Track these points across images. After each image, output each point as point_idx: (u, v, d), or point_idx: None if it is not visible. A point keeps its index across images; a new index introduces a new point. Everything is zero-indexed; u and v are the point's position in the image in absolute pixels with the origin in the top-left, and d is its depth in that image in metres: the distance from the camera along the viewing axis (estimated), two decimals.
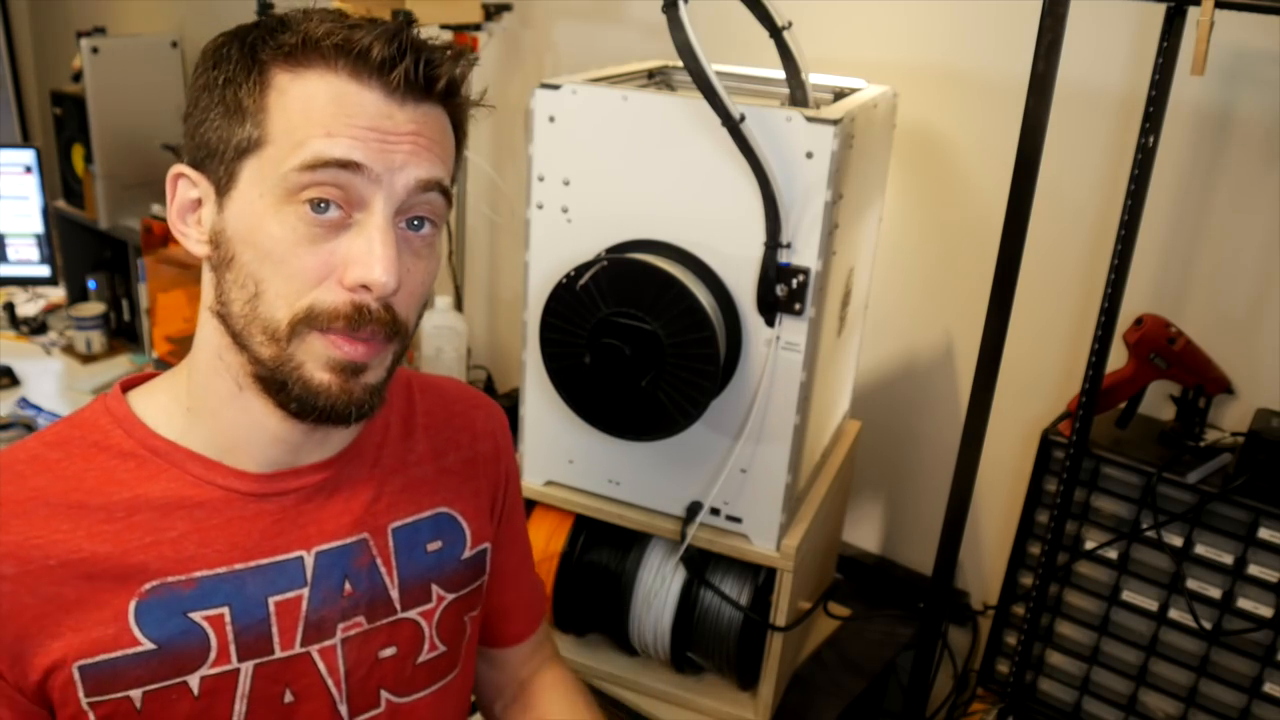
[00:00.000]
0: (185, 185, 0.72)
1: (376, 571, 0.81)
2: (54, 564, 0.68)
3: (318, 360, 0.69)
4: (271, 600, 0.75)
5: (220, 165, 0.69)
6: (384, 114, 0.67)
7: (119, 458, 0.73)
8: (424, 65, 0.68)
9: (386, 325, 0.70)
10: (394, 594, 0.82)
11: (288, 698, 0.76)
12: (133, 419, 0.75)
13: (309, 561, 0.77)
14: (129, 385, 0.78)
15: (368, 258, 0.67)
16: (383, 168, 0.67)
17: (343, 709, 0.79)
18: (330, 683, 0.78)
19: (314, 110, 0.66)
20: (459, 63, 0.71)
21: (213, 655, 0.72)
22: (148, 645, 0.70)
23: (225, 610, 0.73)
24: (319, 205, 0.66)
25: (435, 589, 0.85)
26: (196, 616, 0.72)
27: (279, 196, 0.66)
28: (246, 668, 0.74)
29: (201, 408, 0.74)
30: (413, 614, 0.83)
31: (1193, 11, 1.04)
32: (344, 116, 0.66)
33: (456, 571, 0.87)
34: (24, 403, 2.00)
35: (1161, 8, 1.11)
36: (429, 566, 0.84)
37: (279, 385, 0.70)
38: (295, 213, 0.66)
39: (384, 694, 0.82)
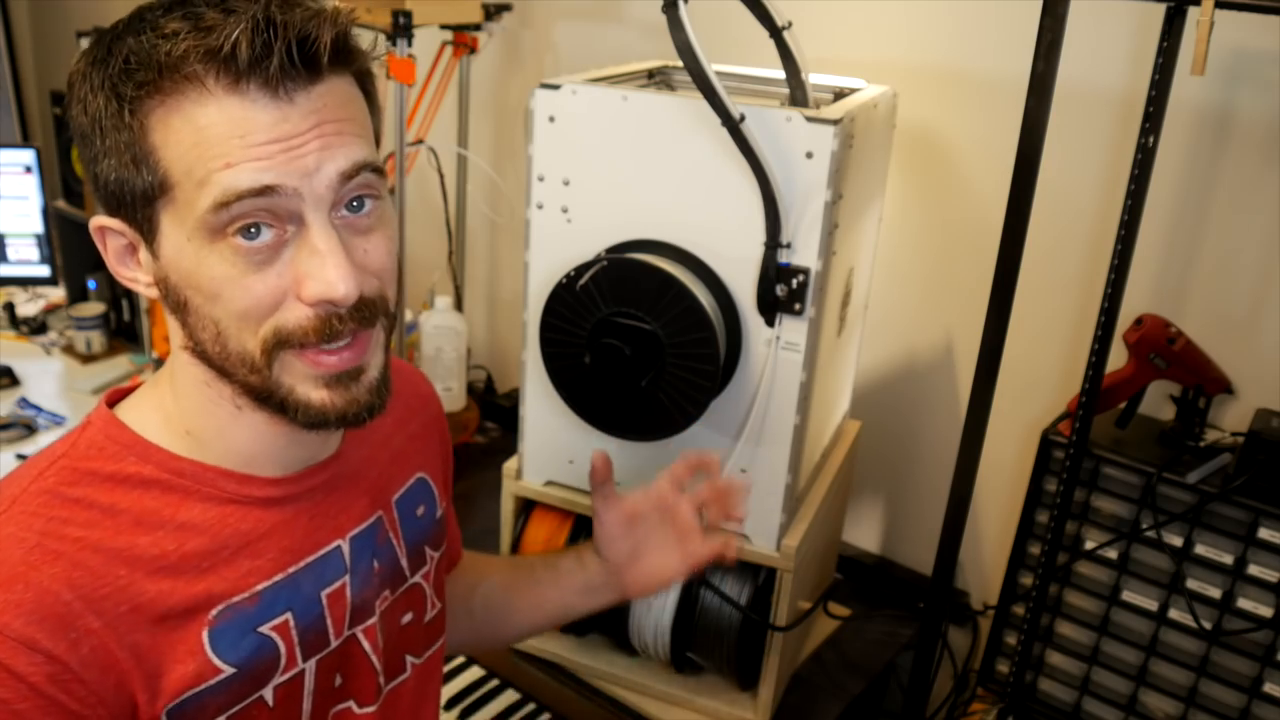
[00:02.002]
0: (113, 235, 0.67)
1: (390, 544, 0.83)
2: (126, 610, 0.64)
3: (306, 380, 0.66)
4: (323, 594, 0.75)
5: (136, 213, 0.64)
6: (277, 119, 0.60)
7: (142, 487, 0.68)
8: (299, 46, 0.60)
9: (363, 319, 0.67)
10: (404, 563, 0.84)
11: (338, 681, 0.77)
12: (143, 443, 0.70)
13: (346, 549, 0.78)
14: (113, 401, 0.74)
15: (320, 272, 0.63)
16: (298, 178, 0.61)
17: (381, 680, 0.81)
18: (374, 659, 0.80)
19: (204, 141, 0.60)
20: (338, 23, 0.62)
21: (283, 663, 0.72)
22: (228, 670, 0.68)
23: (289, 616, 0.73)
24: (249, 231, 0.62)
25: (427, 550, 0.88)
26: (266, 630, 0.71)
27: (205, 237, 0.62)
28: (310, 665, 0.74)
29: (204, 432, 0.71)
30: (417, 578, 0.86)
31: (1193, 11, 1.04)
32: (237, 139, 0.60)
33: (437, 531, 0.91)
34: (24, 403, 2.00)
35: (1161, 8, 1.11)
36: (421, 530, 0.88)
37: (279, 406, 0.68)
38: (228, 246, 0.62)
39: (408, 658, 0.85)
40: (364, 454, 0.82)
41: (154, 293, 0.68)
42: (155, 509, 0.68)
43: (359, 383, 0.68)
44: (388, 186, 0.71)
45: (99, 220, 0.67)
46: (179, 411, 0.72)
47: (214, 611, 0.68)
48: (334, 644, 0.76)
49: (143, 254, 0.67)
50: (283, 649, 0.72)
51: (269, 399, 0.67)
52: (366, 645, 0.79)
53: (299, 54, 0.60)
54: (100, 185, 0.65)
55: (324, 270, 0.63)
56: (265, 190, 0.61)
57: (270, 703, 0.72)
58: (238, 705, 0.70)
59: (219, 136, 0.60)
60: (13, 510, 0.65)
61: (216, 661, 0.67)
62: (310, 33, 0.60)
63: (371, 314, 0.68)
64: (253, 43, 0.59)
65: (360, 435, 0.82)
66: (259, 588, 0.71)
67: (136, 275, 0.68)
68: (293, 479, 0.75)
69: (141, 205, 0.64)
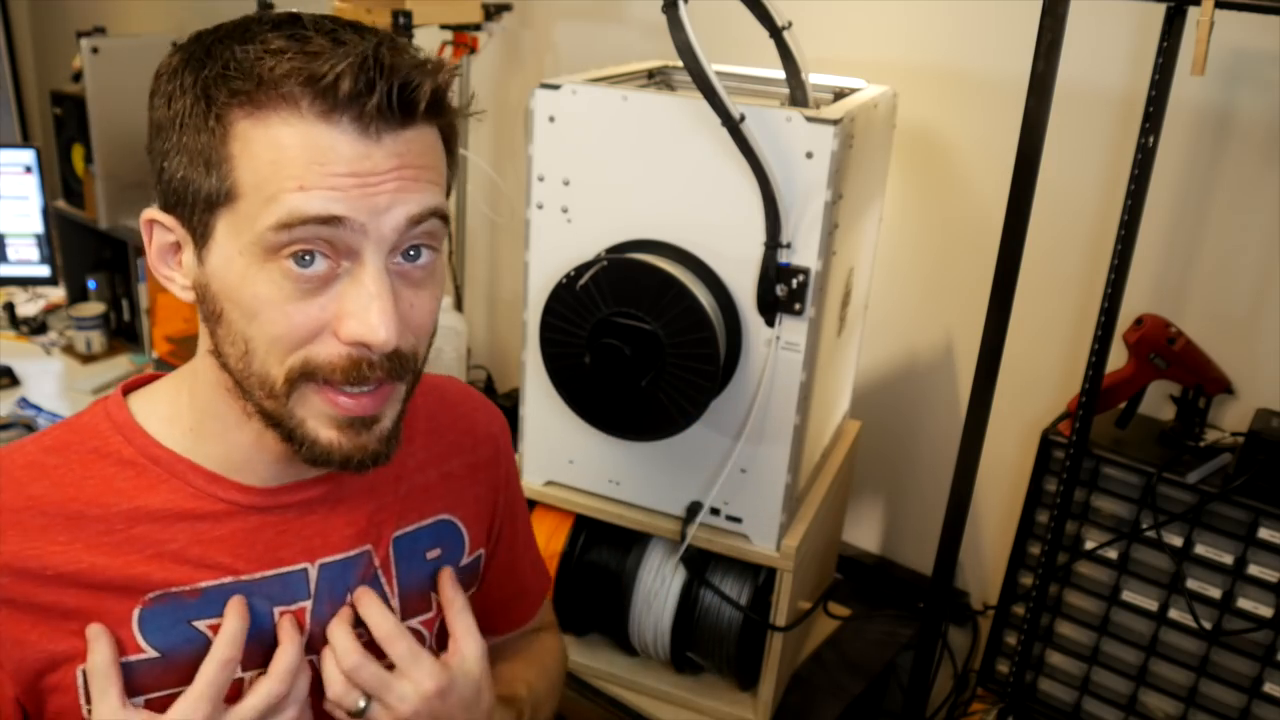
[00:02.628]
0: (161, 230, 0.67)
1: (377, 583, 0.80)
2: (51, 575, 0.67)
3: (319, 417, 0.66)
4: (276, 610, 0.74)
5: (193, 214, 0.64)
6: (361, 155, 0.61)
7: (118, 465, 0.71)
8: (399, 90, 0.60)
9: (393, 371, 0.66)
10: (395, 604, 0.81)
11: None
12: (133, 425, 0.73)
13: (313, 574, 0.76)
14: (130, 388, 0.76)
15: (364, 314, 0.62)
16: (367, 215, 0.61)
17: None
18: None
19: (283, 161, 0.60)
20: (439, 76, 0.63)
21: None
22: (151, 653, 0.69)
23: None
24: (303, 258, 0.61)
25: (434, 598, 0.84)
26: (200, 625, 0.71)
27: (258, 254, 0.62)
28: (250, 677, 0.73)
29: (207, 431, 0.72)
30: (414, 623, 0.82)
31: (1193, 11, 1.04)
32: (316, 165, 0.60)
33: (459, 579, 0.86)
34: (24, 402, 2.00)
35: (1161, 8, 1.11)
36: (428, 575, 0.83)
37: (286, 435, 0.67)
38: (279, 269, 0.62)
39: None
40: (363, 484, 0.79)
41: (189, 296, 0.68)
42: (121, 488, 0.70)
43: (371, 431, 0.68)
44: (447, 236, 0.71)
45: (151, 213, 0.67)
46: (189, 408, 0.73)
47: (151, 595, 0.69)
48: None
49: (187, 256, 0.67)
50: None
51: (278, 425, 0.67)
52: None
53: (398, 98, 0.61)
54: (164, 179, 0.65)
55: (368, 313, 0.62)
56: (332, 220, 0.60)
57: None
58: (160, 692, 0.70)
59: (299, 159, 0.60)
60: None
61: (140, 641, 0.69)
62: (414, 80, 0.61)
63: (402, 369, 0.67)
64: (357, 78, 0.59)
65: None
66: (203, 585, 0.71)
67: (174, 275, 0.69)
68: (268, 491, 0.74)
69: (202, 209, 0.64)
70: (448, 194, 0.70)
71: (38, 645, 0.67)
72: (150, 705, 0.70)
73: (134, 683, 0.69)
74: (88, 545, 0.68)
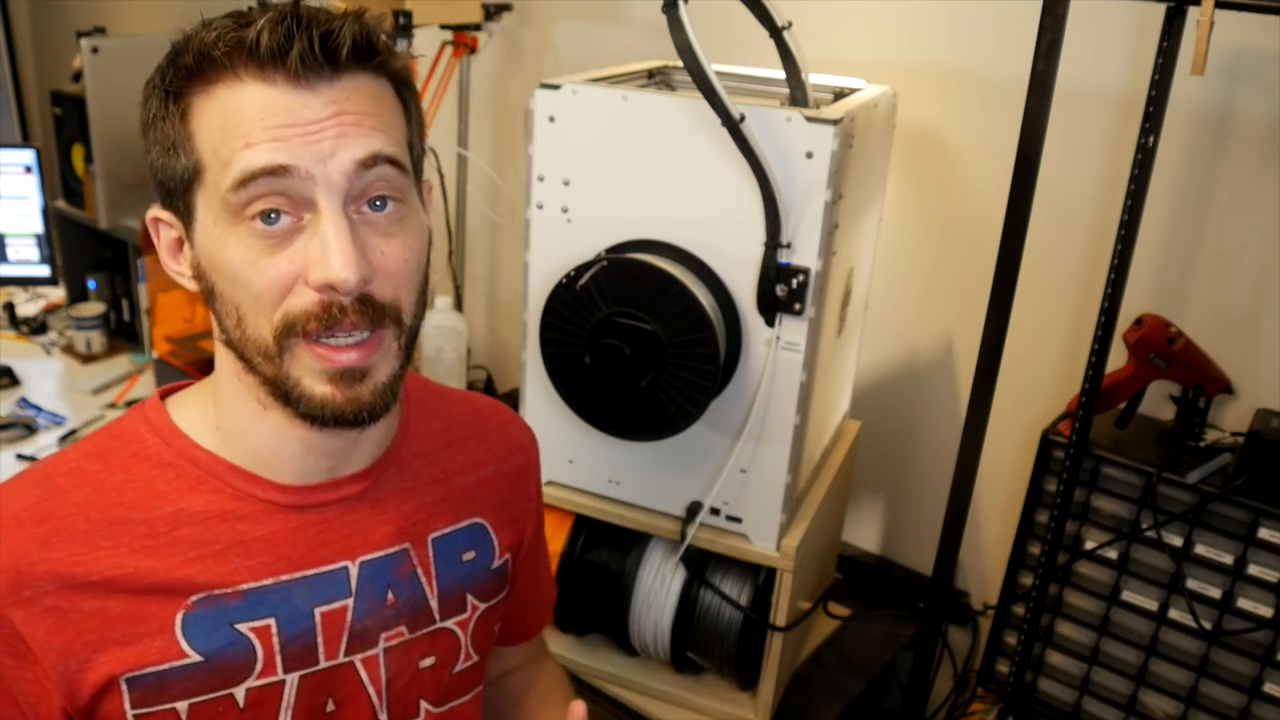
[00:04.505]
0: (164, 228, 0.71)
1: (417, 581, 0.81)
2: (96, 580, 0.68)
3: (312, 374, 0.68)
4: (318, 611, 0.75)
5: (179, 202, 0.68)
6: (299, 104, 0.64)
7: (159, 468, 0.72)
8: (320, 40, 0.64)
9: (367, 317, 0.67)
10: (433, 604, 0.82)
11: (330, 707, 0.76)
12: (172, 428, 0.74)
13: (354, 572, 0.77)
14: (167, 393, 0.78)
15: (325, 255, 0.65)
16: (312, 161, 0.64)
17: (383, 717, 0.79)
18: (372, 691, 0.78)
19: (230, 124, 0.64)
20: (358, 23, 0.66)
21: (259, 666, 0.72)
22: (195, 657, 0.70)
23: (272, 621, 0.73)
24: (268, 216, 0.65)
25: (470, 599, 0.85)
26: (243, 628, 0.72)
27: (228, 219, 0.65)
28: (292, 679, 0.74)
29: (231, 429, 0.74)
30: (450, 624, 0.83)
31: (1193, 11, 1.04)
32: (258, 121, 0.64)
33: (488, 581, 0.87)
34: (24, 403, 2.00)
35: (1161, 8, 1.11)
36: (465, 576, 0.85)
37: (285, 398, 0.69)
38: (247, 229, 0.65)
39: (423, 703, 0.82)
40: (403, 484, 0.81)
41: (193, 285, 0.71)
42: (163, 491, 0.72)
43: (363, 383, 0.69)
44: (420, 195, 0.73)
45: (153, 212, 0.71)
46: (215, 408, 0.75)
47: (194, 598, 0.70)
48: (324, 664, 0.75)
49: (187, 246, 0.70)
50: (260, 652, 0.72)
51: (280, 390, 0.69)
52: (365, 676, 0.78)
53: (320, 47, 0.64)
54: (152, 177, 0.70)
55: (328, 253, 0.64)
56: (279, 170, 0.64)
57: (241, 704, 0.72)
58: (202, 696, 0.70)
59: (243, 119, 0.64)
60: (40, 466, 0.73)
61: (184, 645, 0.69)
62: (332, 29, 0.65)
63: (379, 315, 0.68)
64: (274, 32, 0.63)
65: (402, 464, 0.82)
66: (244, 586, 0.72)
67: (181, 269, 0.72)
68: (306, 489, 0.75)
69: (182, 192, 0.68)
70: (412, 147, 0.72)
71: (83, 655, 0.67)
72: (192, 710, 0.70)
73: (176, 688, 0.69)
74: (132, 549, 0.69)
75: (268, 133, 0.64)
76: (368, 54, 0.67)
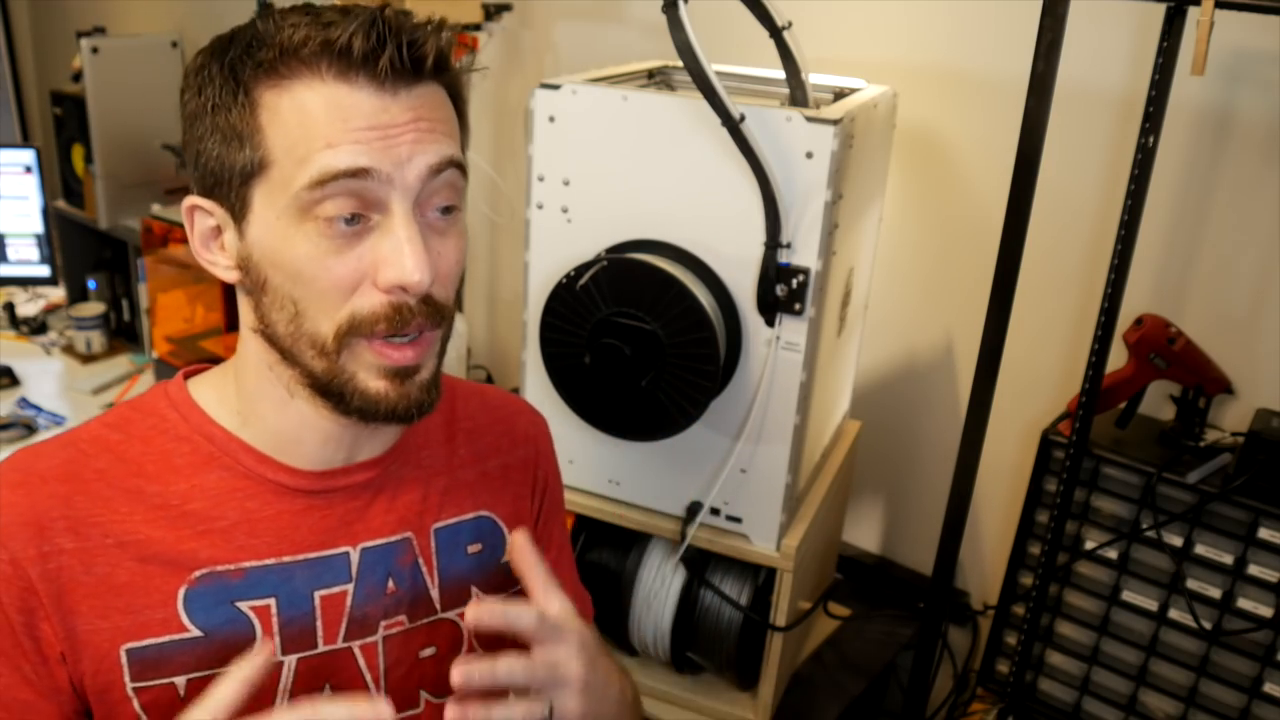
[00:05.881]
0: (202, 216, 0.71)
1: (418, 571, 0.81)
2: (111, 543, 0.70)
3: (369, 369, 0.69)
4: (317, 594, 0.76)
5: (230, 192, 0.68)
6: (380, 109, 0.66)
7: (175, 440, 0.74)
8: (408, 48, 0.66)
9: (430, 317, 0.69)
10: (434, 594, 0.82)
11: (327, 691, 0.77)
12: (190, 404, 0.76)
13: (354, 558, 0.78)
14: (191, 374, 0.80)
15: (398, 257, 0.66)
16: (391, 165, 0.66)
17: None
18: (369, 678, 0.79)
19: (310, 123, 0.65)
20: (441, 35, 0.69)
21: (258, 645, 0.72)
22: (195, 632, 0.71)
23: (272, 601, 0.74)
24: (350, 219, 0.66)
25: (475, 591, 0.85)
26: (244, 606, 0.73)
27: (295, 215, 0.66)
28: (290, 660, 0.74)
29: (252, 413, 0.75)
30: (452, 615, 0.84)
31: (1193, 11, 1.04)
32: (340, 122, 0.65)
33: (496, 575, 0.87)
34: (24, 402, 2.00)
35: (1161, 8, 1.11)
36: (469, 569, 0.85)
37: (337, 395, 0.70)
38: (316, 228, 0.66)
39: (424, 694, 0.83)
40: (407, 474, 0.82)
41: (233, 276, 0.71)
42: (178, 465, 0.74)
43: (413, 380, 0.71)
44: (465, 192, 0.75)
45: (192, 200, 0.71)
46: (235, 390, 0.76)
47: (197, 573, 0.71)
48: (322, 648, 0.76)
49: (228, 236, 0.70)
50: (259, 631, 0.73)
51: (329, 385, 0.70)
52: (362, 662, 0.78)
53: (406, 55, 0.66)
54: (200, 165, 0.69)
55: (402, 256, 0.66)
56: (360, 172, 0.65)
57: None
58: (201, 672, 0.71)
59: (324, 119, 0.65)
60: (66, 434, 0.75)
61: (185, 620, 0.71)
62: (419, 37, 0.66)
63: (438, 316, 0.70)
64: (368, 38, 0.64)
65: (410, 456, 0.82)
66: (247, 564, 0.73)
67: (217, 258, 0.72)
68: (316, 475, 0.76)
69: (238, 184, 0.68)
70: (463, 151, 0.73)
71: (89, 619, 0.69)
72: (190, 685, 0.71)
73: (176, 662, 0.70)
74: (145, 518, 0.71)
75: (350, 134, 0.65)
76: (444, 65, 0.70)
